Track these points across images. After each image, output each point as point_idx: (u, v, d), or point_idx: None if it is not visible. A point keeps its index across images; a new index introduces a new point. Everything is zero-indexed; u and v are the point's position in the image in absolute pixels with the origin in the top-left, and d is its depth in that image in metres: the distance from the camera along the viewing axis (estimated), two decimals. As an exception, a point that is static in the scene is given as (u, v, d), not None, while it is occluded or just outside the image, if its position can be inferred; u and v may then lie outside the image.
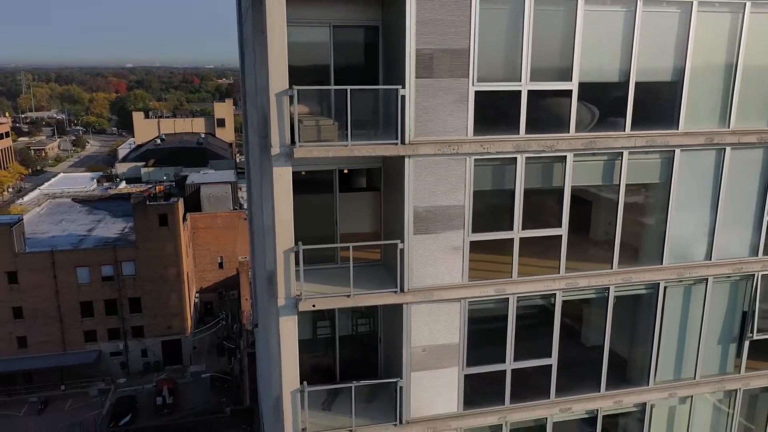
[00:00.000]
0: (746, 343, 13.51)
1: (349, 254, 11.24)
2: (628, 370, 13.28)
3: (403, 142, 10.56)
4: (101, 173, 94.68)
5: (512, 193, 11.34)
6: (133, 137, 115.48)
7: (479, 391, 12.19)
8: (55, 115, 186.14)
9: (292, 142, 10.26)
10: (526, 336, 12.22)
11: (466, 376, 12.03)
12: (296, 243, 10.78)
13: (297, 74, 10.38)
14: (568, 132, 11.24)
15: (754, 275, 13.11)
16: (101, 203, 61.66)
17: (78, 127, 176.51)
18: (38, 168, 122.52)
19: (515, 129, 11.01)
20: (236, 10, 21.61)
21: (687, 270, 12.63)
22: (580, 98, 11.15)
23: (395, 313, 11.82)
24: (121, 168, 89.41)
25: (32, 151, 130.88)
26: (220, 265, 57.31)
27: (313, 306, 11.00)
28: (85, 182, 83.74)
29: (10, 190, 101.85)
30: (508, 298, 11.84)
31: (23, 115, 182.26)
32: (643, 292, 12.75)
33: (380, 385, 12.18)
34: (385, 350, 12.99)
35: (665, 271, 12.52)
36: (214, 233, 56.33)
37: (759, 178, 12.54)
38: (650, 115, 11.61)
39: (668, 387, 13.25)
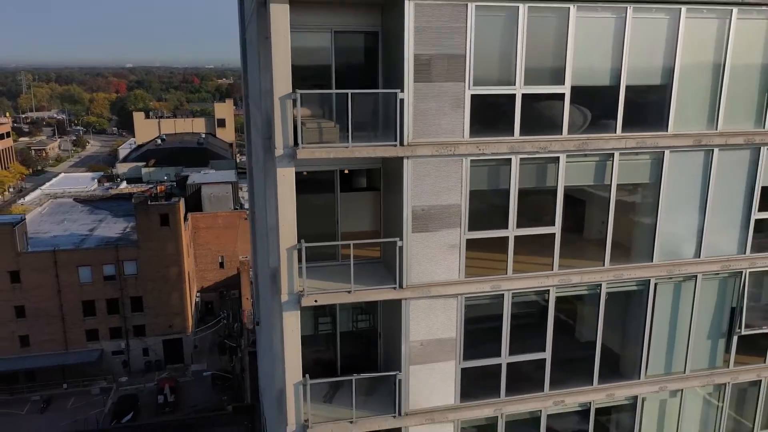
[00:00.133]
0: (735, 339, 13.93)
1: (350, 252, 11.66)
2: (620, 365, 13.70)
3: (401, 143, 10.97)
4: (102, 173, 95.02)
5: (507, 192, 11.76)
6: (134, 137, 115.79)
7: (475, 384, 12.61)
8: (55, 115, 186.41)
9: (295, 143, 10.67)
10: (521, 331, 12.64)
11: (463, 370, 12.45)
12: (299, 241, 11.19)
13: (300, 77, 10.79)
14: (561, 134, 11.66)
15: (741, 272, 13.53)
16: (102, 203, 61.97)
17: (78, 127, 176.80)
18: (39, 168, 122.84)
19: (510, 131, 11.42)
20: (238, 12, 22.02)
21: (677, 267, 13.05)
22: (572, 101, 11.57)
23: (394, 308, 12.24)
24: (121, 168, 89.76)
25: (33, 151, 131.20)
26: (221, 265, 57.66)
27: (315, 301, 11.42)
28: (86, 182, 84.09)
29: (11, 190, 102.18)
30: (503, 294, 12.26)
31: (24, 115, 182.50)
32: (634, 288, 13.16)
33: (380, 378, 12.59)
34: (384, 345, 13.40)
35: (656, 269, 12.94)
36: (215, 233, 56.69)
37: (746, 178, 12.95)
38: (640, 117, 12.04)
39: (659, 381, 13.67)
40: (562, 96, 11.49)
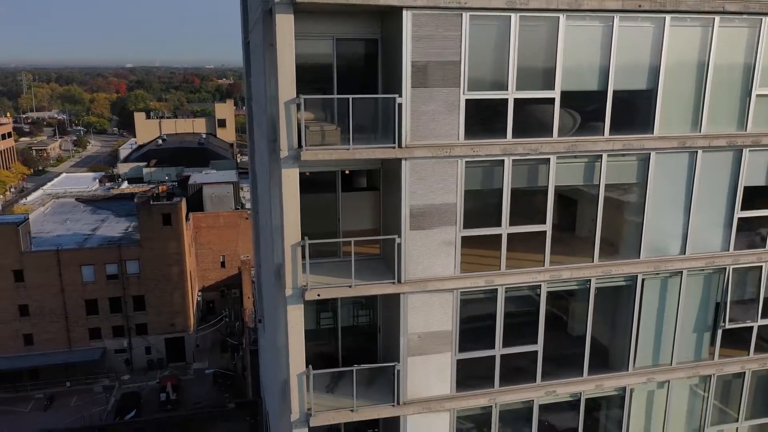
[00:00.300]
0: (719, 332, 14.53)
1: (351, 249, 12.28)
2: (609, 357, 14.30)
3: (400, 145, 11.58)
4: (103, 173, 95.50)
5: (500, 192, 12.36)
6: (134, 137, 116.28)
7: (471, 375, 13.21)
8: (56, 116, 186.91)
9: (299, 145, 11.27)
10: (514, 324, 13.24)
11: (459, 361, 13.05)
12: (303, 238, 11.79)
13: (303, 81, 11.39)
14: (552, 136, 12.26)
15: (725, 268, 14.13)
16: (104, 203, 62.47)
17: (79, 128, 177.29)
18: (40, 168, 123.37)
19: (503, 134, 12.02)
20: (240, 16, 22.63)
21: (663, 263, 13.65)
22: (562, 105, 12.17)
23: (393, 302, 12.84)
24: (123, 168, 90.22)
25: (34, 152, 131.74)
26: (222, 264, 58.22)
27: (318, 295, 12.02)
28: (87, 182, 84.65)
29: (13, 190, 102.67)
30: (496, 289, 12.86)
31: (24, 116, 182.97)
32: (623, 284, 13.76)
33: (379, 369, 13.19)
34: (383, 337, 14.00)
35: (643, 265, 13.54)
36: (217, 232, 57.25)
37: (729, 178, 13.56)
38: (627, 120, 12.64)
39: (646, 372, 14.26)
40: (552, 100, 12.09)
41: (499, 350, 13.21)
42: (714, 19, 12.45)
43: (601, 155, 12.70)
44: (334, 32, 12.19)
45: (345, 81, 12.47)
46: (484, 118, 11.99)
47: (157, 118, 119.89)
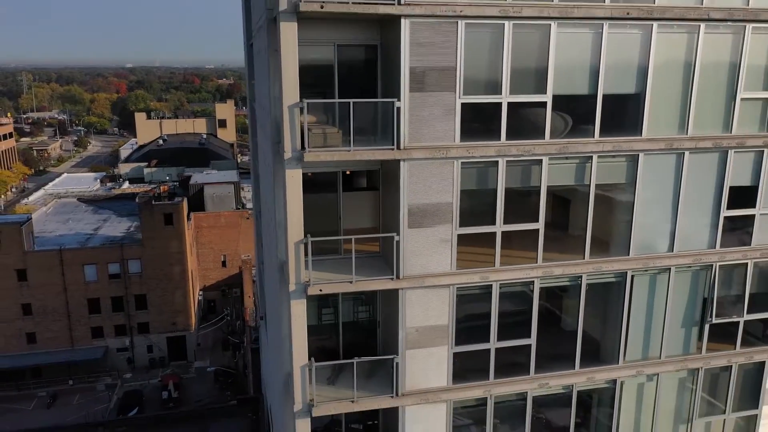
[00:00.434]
0: (706, 327, 15.06)
1: (352, 246, 12.81)
2: (600, 350, 14.83)
3: (398, 147, 12.11)
4: (104, 173, 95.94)
5: (494, 192, 12.90)
6: (135, 138, 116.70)
7: (466, 367, 13.74)
8: (56, 116, 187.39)
9: (302, 147, 11.80)
10: (508, 319, 13.77)
11: (455, 354, 13.58)
12: (305, 236, 12.32)
13: (306, 86, 11.92)
14: (544, 138, 12.80)
15: (712, 265, 14.66)
16: (106, 203, 62.93)
17: (79, 128, 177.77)
18: (41, 168, 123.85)
19: (497, 136, 12.56)
20: (243, 20, 23.14)
21: (652, 260, 14.18)
22: (554, 109, 12.71)
23: (392, 298, 13.37)
24: (124, 168, 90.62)
25: (35, 152, 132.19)
26: (223, 264, 58.73)
27: (320, 290, 12.55)
28: (88, 182, 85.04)
29: (14, 190, 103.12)
30: (491, 285, 13.39)
31: (25, 116, 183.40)
32: (613, 280, 14.29)
33: (379, 361, 13.72)
34: (383, 332, 14.53)
35: (632, 262, 14.08)
36: (218, 232, 57.76)
37: (715, 178, 14.09)
38: (616, 123, 13.17)
39: (636, 365, 14.80)
40: (544, 104, 12.63)
41: (493, 344, 13.73)
42: (699, 26, 12.98)
43: (592, 156, 13.23)
44: (335, 38, 12.71)
45: (346, 85, 13.00)
46: (479, 121, 12.52)
47: (157, 118, 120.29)
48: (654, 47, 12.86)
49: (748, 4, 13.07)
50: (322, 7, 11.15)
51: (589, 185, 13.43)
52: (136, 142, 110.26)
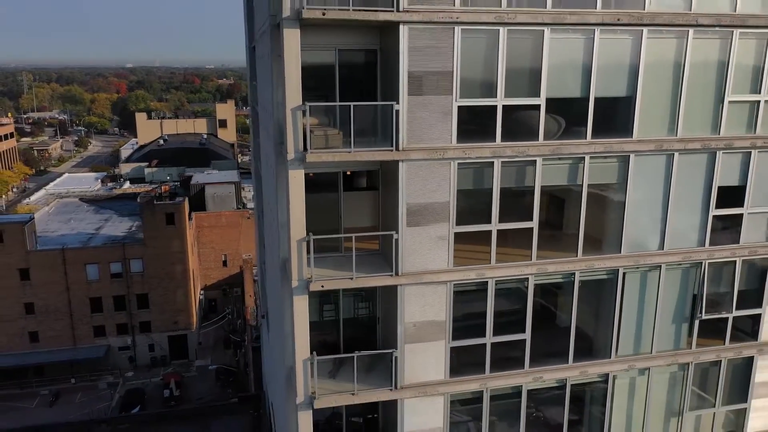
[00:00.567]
0: (696, 323, 15.50)
1: (352, 244, 13.25)
2: (593, 345, 15.27)
3: (397, 148, 12.56)
4: (105, 173, 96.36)
5: (490, 191, 13.35)
6: (135, 138, 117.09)
7: (463, 361, 14.19)
8: (57, 116, 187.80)
9: (305, 148, 12.25)
10: (504, 314, 14.22)
11: (452, 348, 14.03)
12: (307, 234, 12.77)
13: (307, 89, 12.35)
14: (538, 140, 13.25)
15: (701, 263, 15.11)
16: (107, 203, 63.37)
17: (80, 128, 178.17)
18: (42, 168, 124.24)
19: (492, 137, 13.01)
20: (245, 23, 23.55)
21: (643, 258, 14.63)
22: (547, 111, 13.16)
23: (391, 294, 13.82)
24: (124, 168, 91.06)
25: (35, 152, 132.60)
26: (224, 263, 59.16)
27: (322, 286, 13.00)
28: (89, 182, 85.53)
29: (15, 190, 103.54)
30: (487, 281, 13.84)
31: (25, 116, 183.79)
32: (605, 277, 14.74)
33: (378, 355, 14.15)
34: (382, 327, 14.98)
35: (624, 259, 14.52)
36: (219, 232, 58.19)
37: (704, 179, 14.53)
38: (608, 125, 13.62)
39: (628, 360, 15.25)
40: (538, 107, 13.08)
41: (489, 338, 14.18)
42: (688, 31, 13.43)
43: (584, 157, 13.67)
44: (336, 43, 13.16)
45: (346, 88, 13.43)
46: (475, 123, 12.97)
47: (158, 118, 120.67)
48: (644, 52, 13.30)
49: (735, 10, 13.52)
50: (324, 14, 11.61)
51: (582, 185, 13.87)
52: (137, 142, 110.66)
